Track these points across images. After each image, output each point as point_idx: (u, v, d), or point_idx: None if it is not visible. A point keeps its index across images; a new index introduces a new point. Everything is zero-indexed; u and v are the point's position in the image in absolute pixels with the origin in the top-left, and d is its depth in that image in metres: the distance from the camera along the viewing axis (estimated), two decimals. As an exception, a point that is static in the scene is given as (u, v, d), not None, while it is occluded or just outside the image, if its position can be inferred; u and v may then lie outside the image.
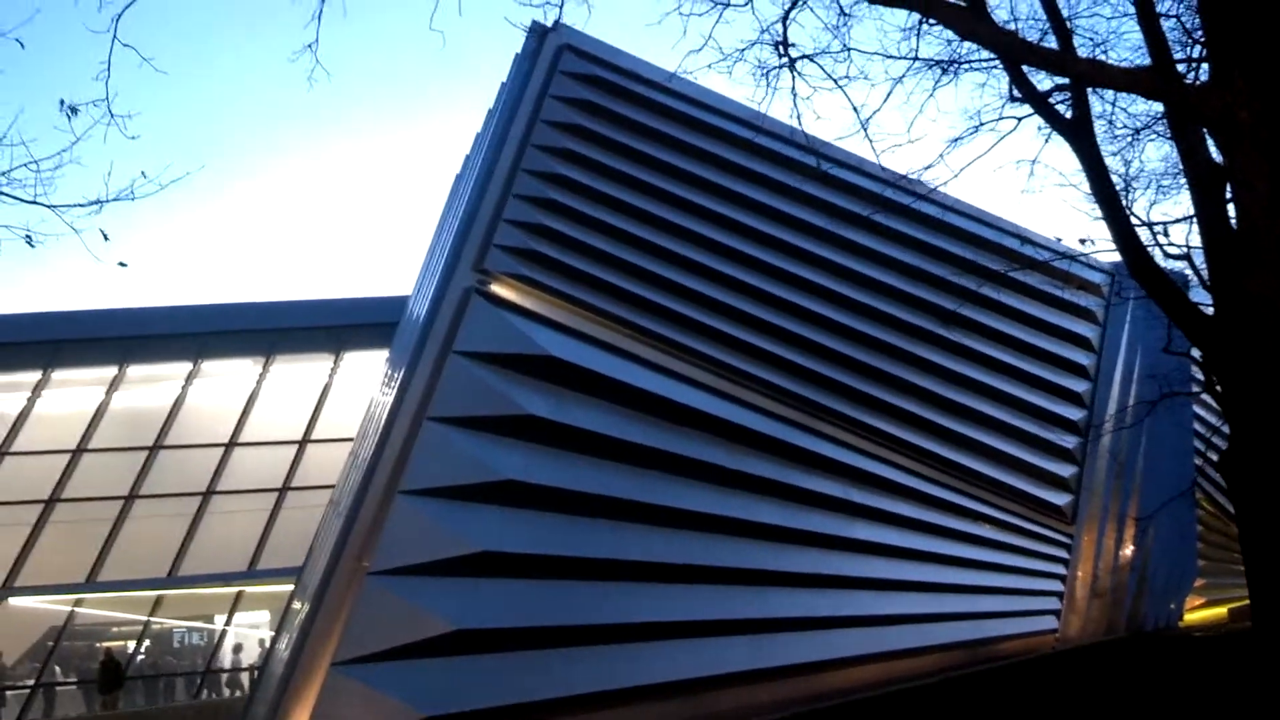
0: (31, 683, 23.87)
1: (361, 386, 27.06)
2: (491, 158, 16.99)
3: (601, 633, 13.71)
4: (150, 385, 28.33)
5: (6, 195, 9.41)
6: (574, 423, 14.55)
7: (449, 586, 12.85)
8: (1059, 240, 21.38)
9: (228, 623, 25.45)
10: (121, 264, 10.89)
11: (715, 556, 15.10)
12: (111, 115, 9.51)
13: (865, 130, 11.11)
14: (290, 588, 19.40)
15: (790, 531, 16.16)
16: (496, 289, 15.65)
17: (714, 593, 15.01)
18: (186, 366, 28.21)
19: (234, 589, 24.88)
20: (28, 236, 9.68)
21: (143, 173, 9.82)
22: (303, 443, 27.01)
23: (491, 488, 13.46)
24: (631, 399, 15.41)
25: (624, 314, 16.78)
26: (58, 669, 24.31)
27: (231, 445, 26.75)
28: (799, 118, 11.12)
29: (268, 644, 23.52)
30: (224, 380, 28.80)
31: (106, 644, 24.79)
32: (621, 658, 13.82)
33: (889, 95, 11.23)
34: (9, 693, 23.50)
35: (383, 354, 25.15)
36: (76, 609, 24.68)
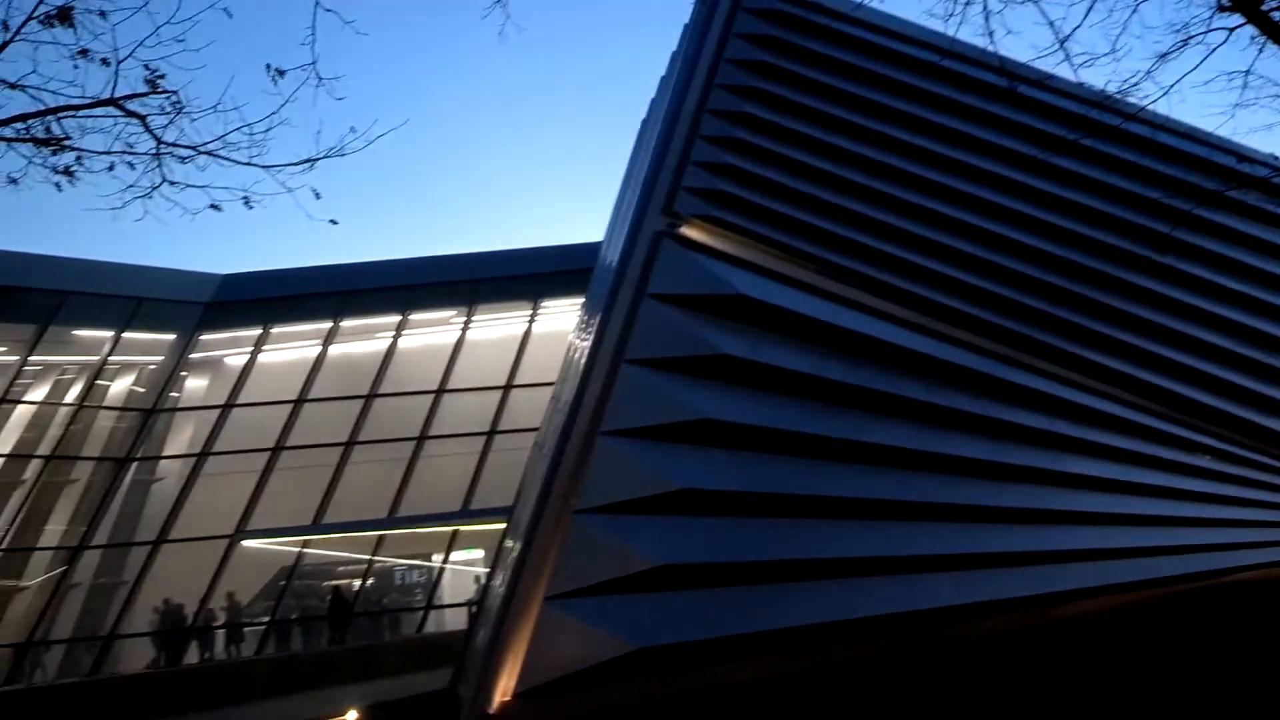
0: (266, 619, 25.68)
1: (559, 332, 27.77)
2: (676, 100, 17.08)
3: (804, 568, 13.84)
4: (363, 337, 29.76)
5: (223, 159, 10.09)
6: (768, 361, 14.63)
7: (652, 524, 13.19)
8: (1278, 157, 20.11)
9: (445, 560, 26.78)
10: (333, 221, 11.53)
11: (916, 492, 15.00)
12: (319, 78, 10.05)
13: (1064, 48, 10.73)
14: (501, 526, 20.22)
15: (995, 466, 15.88)
16: (687, 231, 15.80)
17: (916, 529, 14.93)
18: (396, 318, 29.47)
19: (449, 528, 26.12)
20: (245, 198, 10.37)
21: (351, 128, 10.37)
22: (506, 388, 27.98)
23: (689, 427, 13.70)
24: (825, 336, 15.37)
25: (816, 251, 16.68)
26: (288, 606, 26.07)
27: (440, 392, 27.94)
28: (991, 35, 10.82)
29: (483, 580, 24.68)
30: (431, 330, 30.00)
31: (334, 582, 26.41)
32: (824, 593, 13.93)
33: (1089, 10, 10.78)
34: (245, 629, 25.34)
35: (579, 300, 25.70)
36: (304, 549, 26.33)
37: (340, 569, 27.92)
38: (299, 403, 27.53)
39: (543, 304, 30.07)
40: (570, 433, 13.73)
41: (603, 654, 12.34)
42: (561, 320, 29.26)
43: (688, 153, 16.42)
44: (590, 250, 26.10)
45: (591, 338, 14.80)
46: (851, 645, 13.94)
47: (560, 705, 12.21)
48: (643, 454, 13.37)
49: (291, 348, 29.49)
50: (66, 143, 9.65)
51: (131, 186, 9.88)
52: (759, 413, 14.39)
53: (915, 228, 17.53)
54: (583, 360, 14.84)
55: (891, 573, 14.49)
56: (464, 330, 29.56)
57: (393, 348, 29.01)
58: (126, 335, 27.81)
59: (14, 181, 9.68)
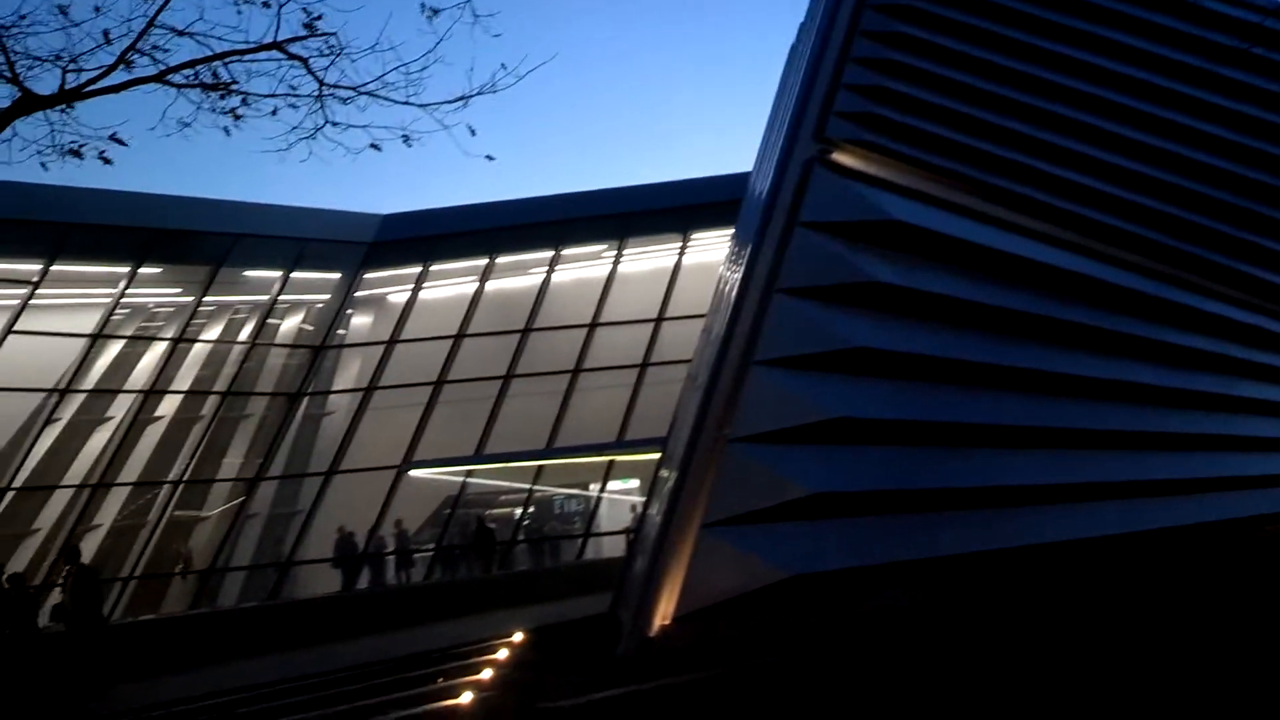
0: (433, 547, 26.65)
1: (710, 264, 27.76)
2: (826, 23, 16.72)
3: (961, 496, 13.68)
4: (518, 273, 30.28)
5: (382, 98, 10.36)
6: (923, 288, 14.37)
7: (806, 453, 13.19)
8: None
9: (601, 490, 27.31)
10: (489, 157, 11.75)
11: (1079, 418, 14.63)
12: (474, 15, 10.21)
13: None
14: (656, 457, 20.49)
15: (1162, 391, 15.36)
16: (838, 157, 15.55)
17: (1080, 456, 14.58)
18: (549, 253, 29.87)
19: (605, 459, 26.58)
20: (404, 136, 10.64)
21: (503, 65, 10.52)
22: (658, 321, 28.17)
23: (842, 356, 13.60)
24: (982, 261, 15.01)
25: (972, 173, 16.23)
26: (453, 534, 26.99)
27: (594, 325, 28.29)
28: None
29: (639, 509, 25.06)
30: (583, 264, 30.34)
31: (478, 512, 27.18)
32: (983, 522, 13.75)
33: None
34: (413, 555, 26.37)
35: (728, 231, 25.61)
36: (467, 479, 27.17)
37: (501, 498, 28.75)
38: (459, 338, 28.22)
39: (693, 236, 30.06)
40: (723, 363, 13.78)
41: (758, 581, 12.45)
42: (711, 252, 29.22)
43: (839, 76, 16.10)
44: (739, 181, 25.88)
45: (742, 268, 14.76)
46: (1013, 574, 13.77)
47: (717, 630, 12.41)
48: (796, 383, 13.34)
49: (450, 284, 30.20)
50: (233, 87, 10.04)
51: (296, 128, 10.24)
52: (913, 340, 14.19)
53: (1076, 145, 16.88)
54: (734, 291, 14.82)
55: (1054, 501, 14.20)
56: (615, 264, 29.79)
57: (546, 282, 29.44)
58: (294, 275, 28.88)
59: (186, 126, 10.12)
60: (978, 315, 14.59)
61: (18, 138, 9.55)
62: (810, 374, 13.52)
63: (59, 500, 24.59)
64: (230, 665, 17.95)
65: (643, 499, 25.36)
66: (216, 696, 14.12)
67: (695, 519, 12.94)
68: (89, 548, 24.30)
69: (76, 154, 9.85)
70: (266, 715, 12.32)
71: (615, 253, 29.99)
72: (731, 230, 24.09)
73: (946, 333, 14.41)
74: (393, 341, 28.51)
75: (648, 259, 30.45)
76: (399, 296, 30.00)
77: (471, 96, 10.62)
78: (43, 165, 9.76)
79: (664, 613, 12.59)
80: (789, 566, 12.50)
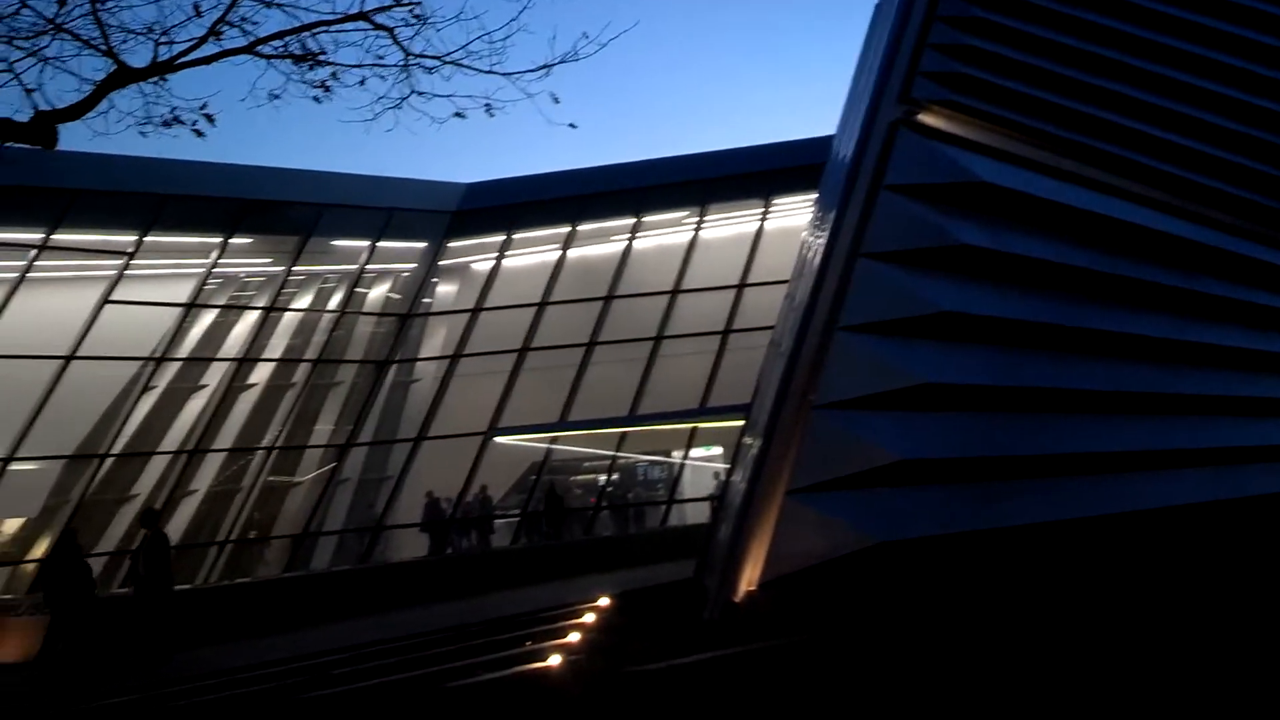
0: (517, 513, 26.97)
1: (792, 229, 27.56)
2: (912, -18, 16.40)
3: (1051, 464, 13.45)
4: (599, 240, 30.34)
5: (467, 67, 10.43)
6: (1012, 251, 14.11)
7: (892, 419, 13.06)
8: None
9: (684, 457, 27.38)
10: (571, 125, 11.79)
11: (1171, 384, 14.28)
12: (556, -19, 10.24)
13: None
14: (739, 424, 20.47)
15: (1257, 355, 14.93)
16: (925, 118, 15.27)
17: (1171, 422, 14.24)
18: (630, 220, 29.87)
19: (688, 425, 26.62)
20: (487, 105, 10.72)
21: (585, 33, 10.52)
22: (740, 287, 28.05)
23: (929, 321, 13.42)
24: (1073, 223, 14.66)
25: (1062, 133, 15.85)
26: (539, 500, 27.26)
27: (675, 292, 28.27)
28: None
29: (723, 476, 25.08)
30: (664, 231, 30.30)
31: (549, 479, 27.36)
32: (1073, 489, 13.51)
33: None
34: (499, 521, 26.71)
35: (811, 196, 25.38)
36: (552, 446, 27.40)
37: (585, 464, 28.98)
38: (542, 305, 28.40)
39: (775, 201, 29.84)
40: (807, 329, 13.68)
41: (843, 548, 12.39)
42: (794, 217, 29.00)
43: (925, 36, 15.77)
44: (822, 145, 25.56)
45: (826, 233, 14.62)
46: (1101, 543, 13.54)
47: (802, 596, 12.40)
48: (881, 349, 13.21)
49: (533, 252, 30.37)
50: (321, 58, 10.18)
51: (382, 98, 10.36)
52: (1002, 305, 13.94)
53: (1168, 103, 16.38)
54: (818, 256, 14.69)
55: (1145, 468, 13.88)
56: (697, 230, 29.71)
57: (628, 249, 29.46)
58: (381, 244, 29.28)
59: (275, 98, 10.29)
60: (1067, 278, 14.28)
61: (114, 110, 9.78)
62: (896, 339, 13.37)
63: (156, 466, 25.32)
64: (323, 627, 18.38)
65: (726, 466, 25.38)
66: (312, 658, 14.48)
67: (780, 486, 12.91)
68: (185, 513, 25.03)
69: (170, 125, 10.06)
70: (360, 676, 12.61)
71: (697, 219, 29.89)
72: (814, 195, 23.84)
73: (1035, 296, 14.13)
74: (477, 309, 28.79)
75: (729, 225, 30.31)
76: (483, 264, 30.25)
77: (554, 65, 10.67)
78: (141, 134, 10.01)
79: (749, 579, 12.61)
80: (874, 534, 12.42)
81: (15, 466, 22.43)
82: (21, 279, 23.51)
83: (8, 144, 9.74)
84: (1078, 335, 14.05)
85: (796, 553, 12.62)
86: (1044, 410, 13.69)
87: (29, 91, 9.46)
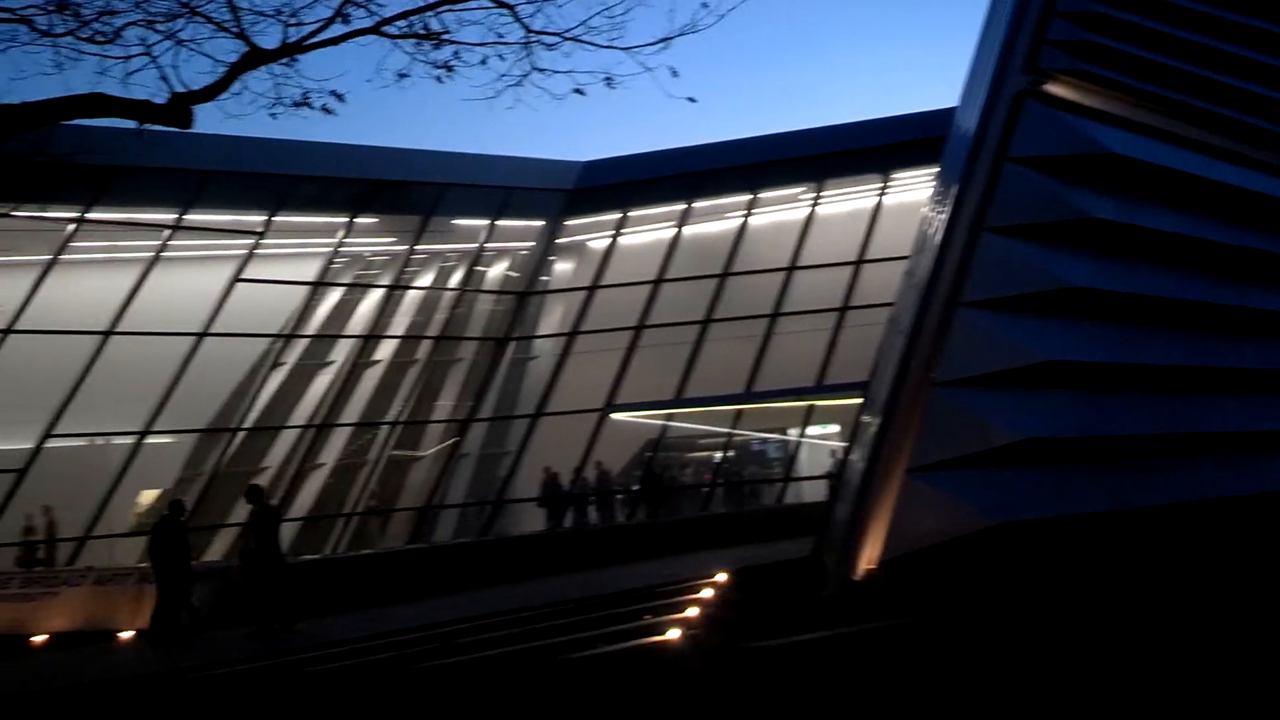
0: (635, 488, 27.16)
1: (912, 204, 27.13)
2: (1039, -51, 15.95)
3: (1178, 444, 13.07)
4: (715, 217, 30.27)
5: (586, 43, 10.49)
6: (1142, 224, 13.69)
7: (1014, 397, 12.85)
8: None
9: (801, 434, 27.22)
10: (690, 99, 11.77)
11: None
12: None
13: None
14: (857, 401, 20.29)
15: None
16: (1051, 88, 14.88)
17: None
18: (746, 197, 29.73)
19: (804, 403, 26.46)
20: (607, 79, 10.78)
21: (704, 3, 10.51)
22: (857, 263, 27.73)
23: (1055, 296, 13.13)
24: (1206, 195, 14.15)
25: (1196, 103, 15.29)
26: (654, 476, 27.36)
27: (792, 269, 28.07)
28: None
29: (840, 454, 24.91)
30: (781, 207, 30.09)
31: (648, 457, 27.34)
32: (1202, 470, 13.12)
33: None
34: (616, 496, 26.92)
35: (931, 170, 24.93)
36: (668, 423, 27.50)
37: (701, 441, 29.02)
38: (658, 283, 28.47)
39: (893, 176, 29.39)
40: (928, 305, 13.51)
41: (964, 527, 12.25)
42: (913, 192, 28.52)
43: (1051, 3, 15.35)
44: (942, 117, 25.04)
45: (948, 208, 14.38)
46: (1230, 525, 13.11)
47: (922, 575, 12.29)
48: (1005, 325, 12.98)
49: (648, 229, 30.45)
50: (445, 37, 10.33)
51: (503, 76, 10.48)
52: (1130, 280, 13.56)
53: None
54: (939, 231, 14.47)
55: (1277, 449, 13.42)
56: (813, 206, 29.44)
57: (744, 226, 29.33)
58: (500, 223, 29.66)
59: (402, 77, 10.48)
60: (1200, 253, 13.82)
61: (247, 90, 10.06)
62: (1020, 316, 13.13)
63: (285, 440, 26.11)
64: (445, 598, 18.76)
65: (843, 444, 25.18)
66: (436, 627, 14.82)
67: (900, 464, 12.81)
68: (313, 486, 25.78)
69: (299, 105, 10.32)
70: (483, 646, 12.87)
71: (814, 195, 29.63)
72: (935, 169, 23.44)
73: (1166, 272, 13.71)
74: (594, 287, 28.98)
75: (847, 200, 29.96)
76: (599, 242, 30.44)
77: (673, 38, 10.67)
78: (272, 115, 10.29)
79: (868, 557, 12.55)
80: (995, 513, 12.25)
81: (151, 440, 23.34)
82: (156, 258, 24.40)
83: (146, 125, 10.10)
84: (1209, 311, 13.60)
85: (917, 532, 12.52)
86: (1172, 390, 13.31)
87: (164, 76, 9.78)
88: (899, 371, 13.50)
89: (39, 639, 17.77)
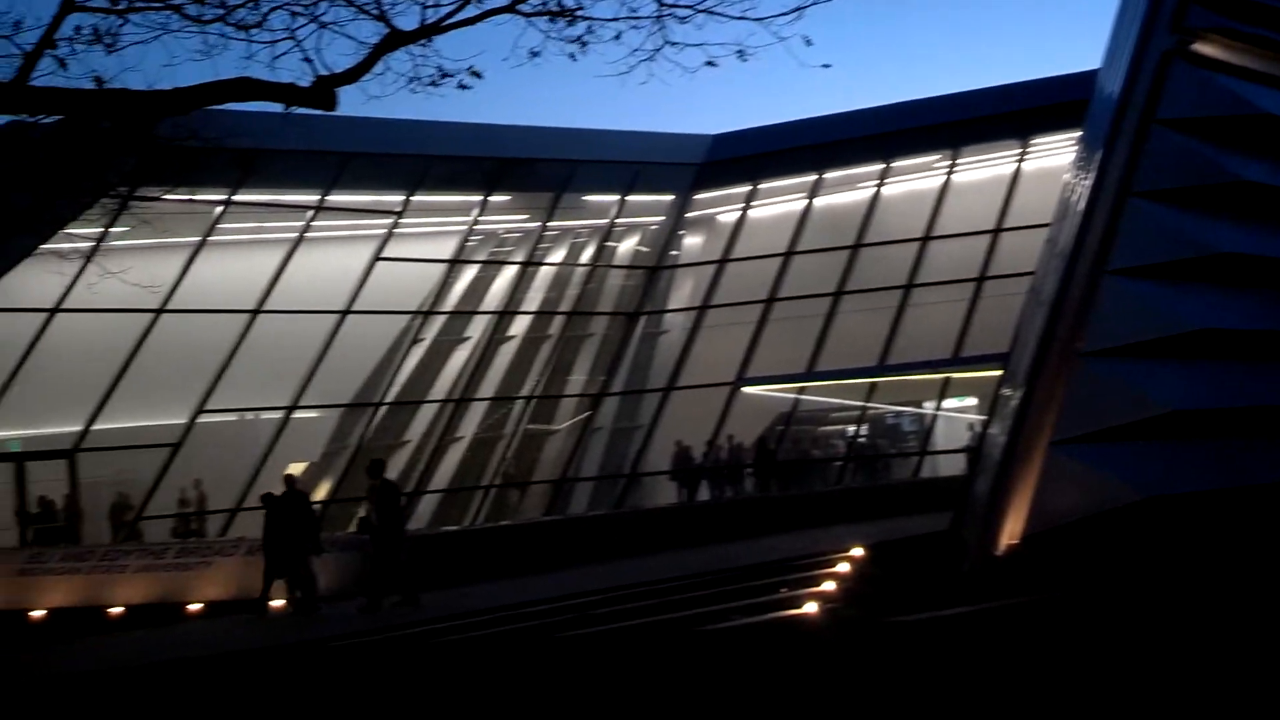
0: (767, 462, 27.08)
1: (1052, 170, 26.36)
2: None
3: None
4: (847, 187, 29.87)
5: (719, 15, 10.44)
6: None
7: (1164, 367, 12.47)
8: None
9: (937, 408, 26.77)
10: (825, 65, 11.61)
11: None
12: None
13: None
14: (995, 374, 19.87)
15: None
16: (1200, 47, 14.29)
17: None
18: (879, 166, 29.26)
19: (940, 376, 26.00)
20: (739, 51, 10.71)
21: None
22: (995, 232, 27.08)
23: (1207, 263, 12.68)
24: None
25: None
26: (786, 450, 27.28)
27: (926, 239, 27.55)
28: None
29: (978, 428, 24.46)
30: (914, 176, 29.54)
31: (761, 432, 26.98)
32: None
33: None
34: (748, 470, 26.86)
35: (1073, 134, 24.19)
36: (800, 396, 27.33)
37: (833, 415, 28.78)
38: (788, 255, 28.25)
39: (1033, 141, 28.54)
40: (1072, 274, 13.15)
41: (1111, 502, 11.95)
42: (1054, 157, 27.65)
43: (1200, -41, 14.73)
44: (1083, 80, 24.30)
45: (1092, 173, 13.96)
46: None
47: (1067, 551, 12.02)
48: (1154, 293, 12.57)
49: (778, 202, 30.21)
50: (578, 13, 10.39)
51: (635, 51, 10.47)
52: (1286, 245, 13.00)
53: None
54: (1083, 198, 14.06)
55: None
56: (949, 174, 28.81)
57: (877, 196, 28.88)
58: (630, 198, 29.78)
59: (535, 55, 10.58)
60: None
61: (389, 71, 10.27)
62: (1169, 283, 12.71)
63: (425, 415, 26.76)
64: (580, 569, 19.01)
65: (981, 417, 24.71)
66: (573, 598, 15.05)
67: (1042, 437, 12.53)
68: (452, 459, 26.37)
69: (436, 84, 10.51)
70: (619, 616, 13.05)
71: (949, 163, 28.98)
72: (1077, 133, 22.73)
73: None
74: (724, 260, 28.93)
75: (984, 168, 29.24)
76: (729, 216, 30.34)
77: (806, 6, 10.54)
78: (412, 92, 10.49)
79: (1010, 532, 12.32)
80: (1145, 487, 11.91)
81: (298, 415, 24.17)
82: (300, 238, 25.19)
83: (291, 108, 10.40)
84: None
85: (1061, 507, 12.27)
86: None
87: (307, 59, 10.03)
88: (1041, 342, 13.19)
89: (194, 607, 18.56)
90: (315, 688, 10.76)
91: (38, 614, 18.45)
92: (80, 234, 19.69)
